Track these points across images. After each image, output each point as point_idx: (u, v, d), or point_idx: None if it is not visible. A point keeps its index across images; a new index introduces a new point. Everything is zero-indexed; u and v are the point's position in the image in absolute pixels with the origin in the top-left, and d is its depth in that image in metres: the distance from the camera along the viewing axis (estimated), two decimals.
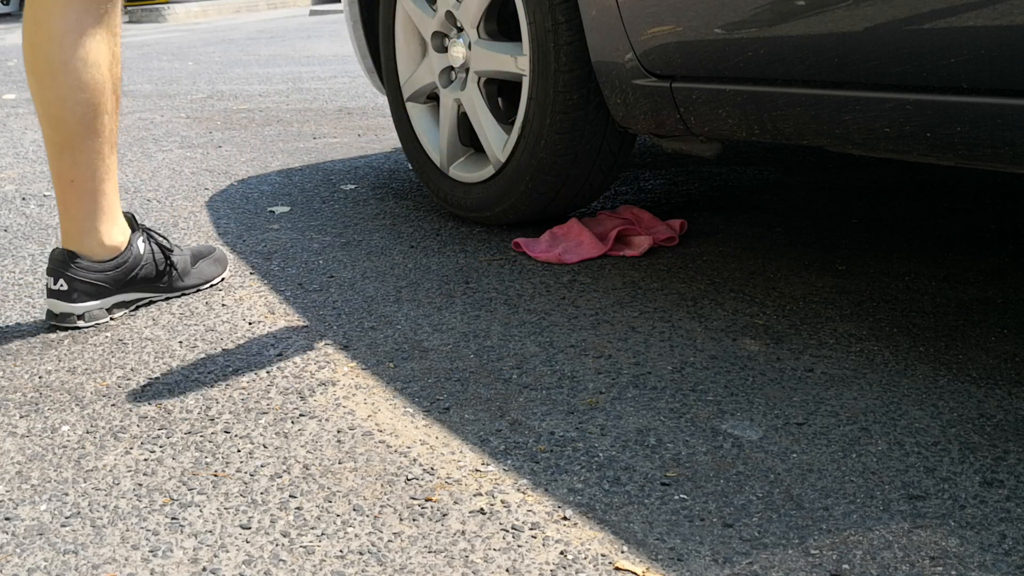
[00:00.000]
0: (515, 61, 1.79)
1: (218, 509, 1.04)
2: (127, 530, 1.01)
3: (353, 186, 2.48)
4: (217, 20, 12.26)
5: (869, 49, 1.21)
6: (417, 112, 2.13)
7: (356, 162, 2.79)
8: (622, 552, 0.94)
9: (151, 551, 0.97)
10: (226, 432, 1.21)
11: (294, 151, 3.01)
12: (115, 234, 1.57)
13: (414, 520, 1.01)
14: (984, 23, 1.08)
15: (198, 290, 1.71)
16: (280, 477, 1.10)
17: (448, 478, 1.08)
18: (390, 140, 3.13)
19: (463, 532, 0.98)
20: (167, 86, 4.97)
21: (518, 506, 1.02)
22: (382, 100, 4.00)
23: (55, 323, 1.55)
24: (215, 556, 0.96)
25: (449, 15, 1.94)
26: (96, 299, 1.56)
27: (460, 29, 1.93)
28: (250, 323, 1.57)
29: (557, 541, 0.96)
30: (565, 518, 1.00)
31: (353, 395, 1.30)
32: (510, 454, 1.13)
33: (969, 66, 1.11)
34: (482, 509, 1.02)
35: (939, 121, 1.17)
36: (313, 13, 11.62)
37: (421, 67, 2.06)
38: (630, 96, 1.60)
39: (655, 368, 1.33)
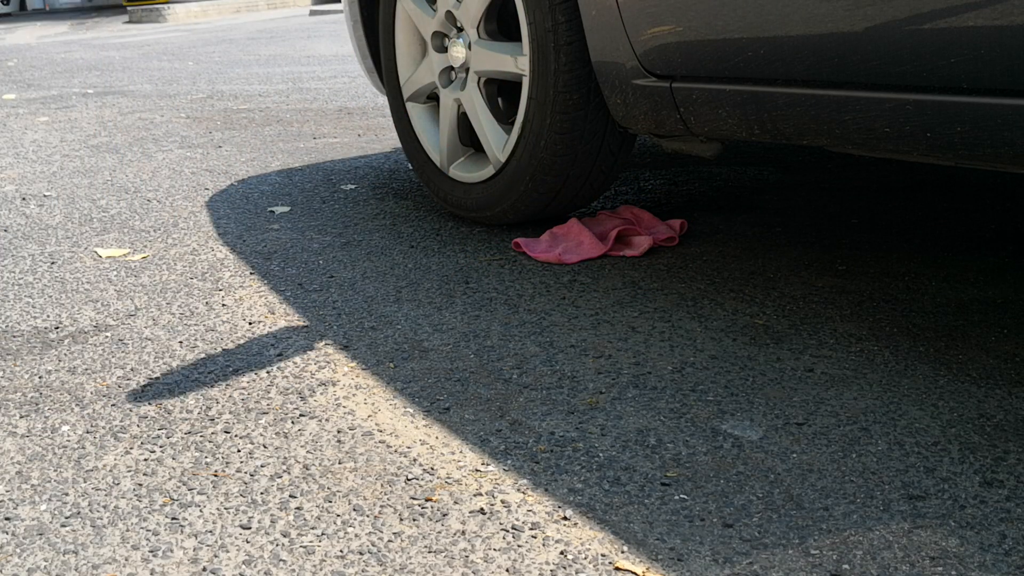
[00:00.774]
0: (515, 61, 1.79)
1: (218, 509, 1.04)
2: (127, 530, 1.01)
3: (353, 186, 2.48)
4: (217, 20, 12.26)
5: (869, 49, 1.21)
6: (417, 112, 2.13)
7: (356, 162, 2.79)
8: (622, 552, 0.94)
9: (151, 551, 0.97)
10: (226, 432, 1.21)
11: (294, 151, 3.01)
12: None
13: (414, 520, 1.01)
14: (984, 23, 1.08)
15: None
16: (280, 477, 1.10)
17: (448, 478, 1.08)
18: (390, 140, 3.13)
19: (463, 532, 0.98)
20: (167, 86, 4.97)
21: (518, 506, 1.02)
22: (382, 100, 4.00)
23: None
24: (215, 556, 0.96)
25: (449, 15, 1.94)
26: None
27: (460, 29, 1.93)
28: (250, 323, 1.57)
29: (557, 541, 0.96)
30: (565, 518, 1.00)
31: (353, 395, 1.30)
32: (510, 454, 1.13)
33: (969, 66, 1.11)
34: (482, 509, 1.02)
35: (939, 121, 1.17)
36: (313, 13, 11.62)
37: (421, 67, 2.06)
38: (630, 96, 1.60)
39: (655, 368, 1.33)
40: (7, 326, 1.60)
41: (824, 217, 1.98)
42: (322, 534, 0.99)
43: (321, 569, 0.93)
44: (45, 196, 2.52)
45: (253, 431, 1.21)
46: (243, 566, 0.94)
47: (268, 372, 1.38)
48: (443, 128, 2.02)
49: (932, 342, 1.36)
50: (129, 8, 13.15)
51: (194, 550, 0.97)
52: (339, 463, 1.13)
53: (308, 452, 1.15)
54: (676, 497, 1.03)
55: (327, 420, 1.23)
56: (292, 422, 1.23)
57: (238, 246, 1.99)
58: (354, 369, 1.37)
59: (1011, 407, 1.17)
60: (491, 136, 1.88)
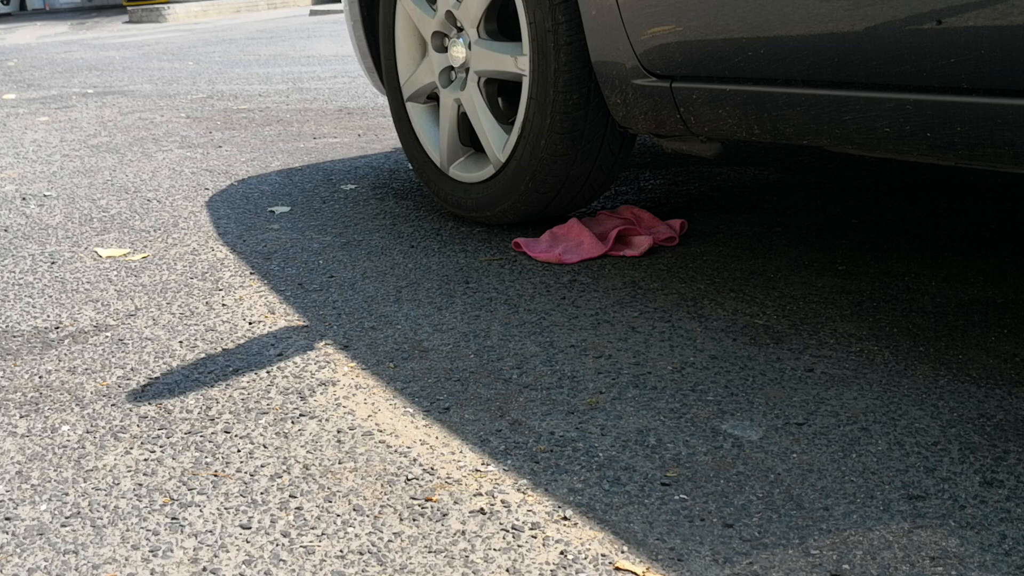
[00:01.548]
0: (515, 61, 1.79)
1: (218, 509, 1.04)
2: (127, 530, 1.01)
3: (353, 186, 2.48)
4: (217, 20, 12.26)
5: (869, 49, 1.21)
6: (417, 112, 2.13)
7: (356, 162, 2.79)
8: (622, 552, 0.94)
9: (151, 551, 0.97)
10: (226, 432, 1.21)
11: (294, 151, 3.01)
12: None
13: (414, 520, 1.01)
14: (984, 23, 1.08)
15: None
16: (280, 477, 1.10)
17: (448, 478, 1.08)
18: (390, 140, 3.13)
19: (463, 532, 0.98)
20: (167, 86, 4.97)
21: (518, 506, 1.02)
22: (382, 100, 4.00)
23: None
24: (215, 556, 0.96)
25: (449, 15, 1.94)
26: None
27: (460, 29, 1.93)
28: (250, 323, 1.57)
29: (557, 541, 0.96)
30: (565, 518, 1.00)
31: (353, 395, 1.30)
32: (510, 454, 1.13)
33: (969, 66, 1.11)
34: (482, 509, 1.02)
35: (939, 121, 1.17)
36: (313, 13, 11.61)
37: (421, 67, 2.06)
38: (630, 96, 1.60)
39: (655, 368, 1.33)
40: (7, 326, 1.60)
41: (824, 217, 1.98)
42: (322, 534, 0.99)
43: (321, 569, 0.93)
44: (45, 196, 2.52)
45: (253, 431, 1.21)
46: (243, 566, 0.94)
47: (268, 372, 1.38)
48: (443, 128, 2.02)
49: (932, 342, 1.36)
50: (129, 8, 13.15)
51: (194, 550, 0.97)
52: (339, 463, 1.13)
53: (308, 452, 1.15)
54: (676, 497, 1.03)
55: (327, 420, 1.23)
56: (292, 422, 1.23)
57: (238, 246, 1.99)
58: (354, 369, 1.37)
59: (1011, 407, 1.17)
60: (491, 136, 1.88)
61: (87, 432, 1.23)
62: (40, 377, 1.40)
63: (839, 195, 2.15)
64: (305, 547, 0.97)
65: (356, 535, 0.99)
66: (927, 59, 1.15)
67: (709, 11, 1.39)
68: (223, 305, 1.65)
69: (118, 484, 1.10)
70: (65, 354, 1.47)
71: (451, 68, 1.99)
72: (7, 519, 1.04)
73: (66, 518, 1.04)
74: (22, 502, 1.07)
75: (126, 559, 0.96)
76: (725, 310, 1.52)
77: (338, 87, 4.54)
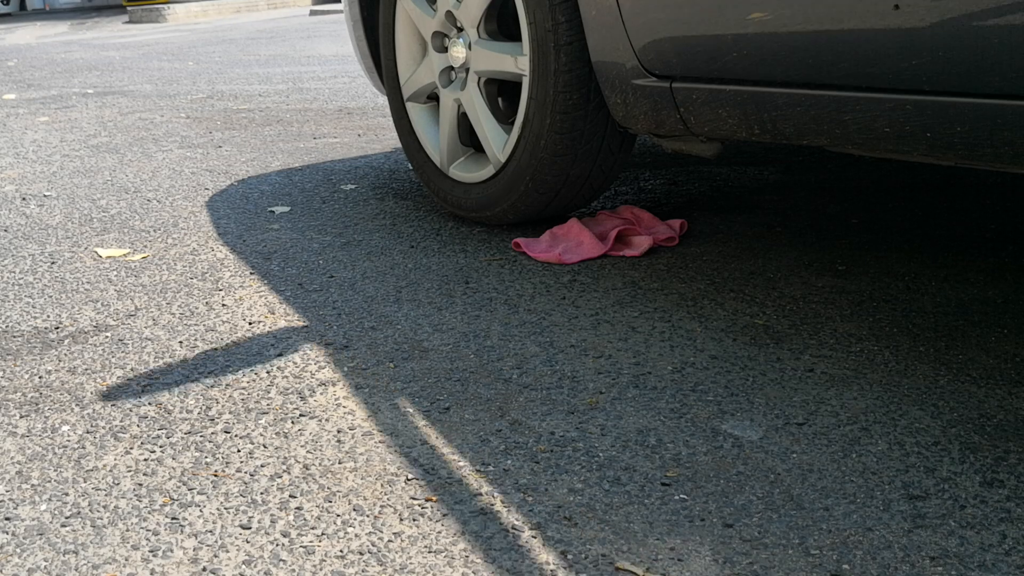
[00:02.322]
0: (515, 61, 1.79)
1: (218, 509, 1.04)
2: (127, 530, 1.01)
3: (353, 186, 2.48)
4: (217, 20, 12.26)
5: (869, 49, 1.21)
6: (417, 112, 2.13)
7: (356, 162, 2.79)
8: (622, 552, 0.94)
9: (151, 551, 0.97)
10: (226, 432, 1.21)
11: (294, 151, 3.01)
12: None
13: (414, 520, 1.01)
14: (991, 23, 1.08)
15: None
16: (280, 477, 1.10)
17: (448, 478, 1.08)
18: (390, 140, 3.13)
19: (463, 532, 0.98)
20: (167, 86, 4.97)
21: (518, 506, 1.02)
22: (382, 100, 4.00)
23: None
24: (215, 556, 0.96)
25: (449, 15, 1.94)
26: None
27: (460, 29, 1.93)
28: (250, 323, 1.57)
29: (557, 541, 0.96)
30: (565, 518, 1.00)
31: (353, 395, 1.30)
32: (510, 454, 1.13)
33: (971, 67, 1.11)
34: (482, 509, 1.02)
35: (939, 121, 1.17)
36: (313, 13, 11.62)
37: (421, 67, 2.06)
38: (630, 96, 1.60)
39: (655, 368, 1.33)
40: (7, 326, 1.60)
41: (824, 217, 1.98)
42: (322, 534, 0.99)
43: (321, 569, 0.93)
44: (45, 196, 2.52)
45: (253, 431, 1.21)
46: (243, 566, 0.94)
47: (268, 372, 1.38)
48: (443, 128, 2.02)
49: (932, 342, 1.36)
50: (129, 8, 13.15)
51: (194, 550, 0.97)
52: (339, 463, 1.13)
53: (308, 452, 1.15)
54: (676, 497, 1.03)
55: (327, 420, 1.23)
56: (292, 422, 1.23)
57: (238, 246, 1.99)
58: (354, 369, 1.37)
59: (1011, 407, 1.17)
60: (491, 136, 1.88)
61: (87, 432, 1.23)
62: (40, 377, 1.40)
63: (839, 195, 2.15)
64: (305, 547, 0.97)
65: (356, 535, 0.99)
66: (929, 59, 1.15)
67: (709, 11, 1.39)
68: (223, 305, 1.65)
69: (118, 484, 1.10)
70: (65, 354, 1.47)
71: (451, 68, 1.99)
72: (7, 519, 1.04)
73: (66, 518, 1.04)
74: (22, 502, 1.07)
75: (126, 559, 0.96)
76: (725, 310, 1.52)
77: (338, 87, 4.54)
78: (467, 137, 2.01)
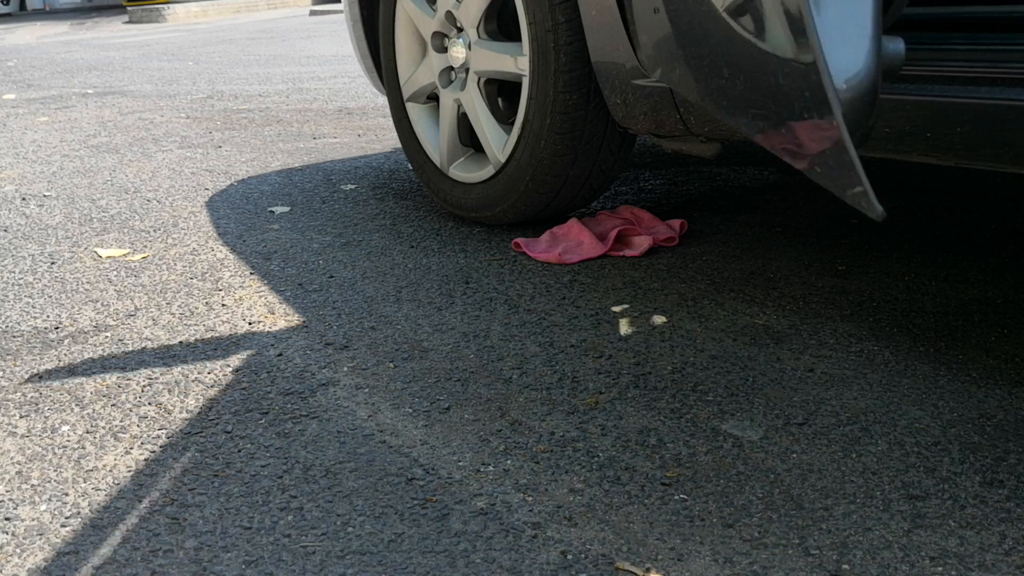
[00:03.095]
0: (515, 61, 1.79)
1: (219, 510, 1.04)
2: (127, 530, 1.01)
3: (353, 186, 2.48)
4: (217, 20, 12.26)
5: None
6: (417, 112, 2.13)
7: (356, 162, 2.79)
8: (622, 552, 0.94)
9: (151, 551, 0.98)
10: (226, 432, 1.21)
11: (294, 151, 3.01)
12: None
13: (415, 520, 1.01)
14: None
15: None
16: (281, 477, 1.10)
17: (449, 478, 1.08)
18: (390, 140, 3.13)
19: (464, 532, 0.98)
20: (167, 86, 4.97)
21: (519, 506, 1.02)
22: (382, 100, 4.00)
23: None
24: (216, 556, 0.96)
25: (449, 15, 1.94)
26: None
27: (460, 29, 1.94)
28: (250, 323, 1.57)
29: (558, 541, 0.96)
30: (566, 518, 1.00)
31: (353, 395, 1.30)
32: (510, 454, 1.13)
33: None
34: (483, 509, 1.02)
35: (939, 121, 1.17)
36: (313, 13, 11.62)
37: (421, 67, 2.06)
38: (630, 96, 1.60)
39: (655, 368, 1.33)
40: (7, 326, 1.60)
41: (824, 217, 1.98)
42: (323, 534, 0.99)
43: (322, 569, 0.94)
44: (45, 196, 2.52)
45: (254, 431, 1.21)
46: (244, 566, 0.94)
47: (268, 372, 1.38)
48: (443, 128, 2.02)
49: (932, 342, 1.36)
50: (129, 8, 13.15)
51: (195, 550, 0.97)
52: (340, 463, 1.13)
53: (309, 452, 1.15)
54: (676, 497, 1.03)
55: (328, 420, 1.23)
56: (293, 422, 1.23)
57: (238, 246, 1.99)
58: (354, 369, 1.37)
59: (1011, 407, 1.17)
60: (491, 136, 1.88)
61: (87, 432, 1.23)
62: (40, 377, 1.40)
63: None
64: (306, 547, 0.97)
65: (357, 535, 0.99)
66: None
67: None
68: (223, 305, 1.65)
69: (118, 484, 1.10)
70: (65, 354, 1.47)
71: (451, 68, 1.99)
72: (7, 519, 1.04)
73: (66, 518, 1.04)
74: (22, 502, 1.07)
75: (126, 559, 0.96)
76: (725, 310, 1.52)
77: (338, 87, 4.54)
78: (467, 137, 2.01)
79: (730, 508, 1.00)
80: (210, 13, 13.20)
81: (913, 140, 1.22)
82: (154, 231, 2.14)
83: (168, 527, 1.01)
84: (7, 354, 1.49)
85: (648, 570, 0.91)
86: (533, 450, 1.13)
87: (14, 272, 1.89)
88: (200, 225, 2.16)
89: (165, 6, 12.63)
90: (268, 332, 1.53)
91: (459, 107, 1.97)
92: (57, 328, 1.59)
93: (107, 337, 1.53)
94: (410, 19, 2.07)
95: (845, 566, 0.90)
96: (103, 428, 1.24)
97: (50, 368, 1.43)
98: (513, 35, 1.87)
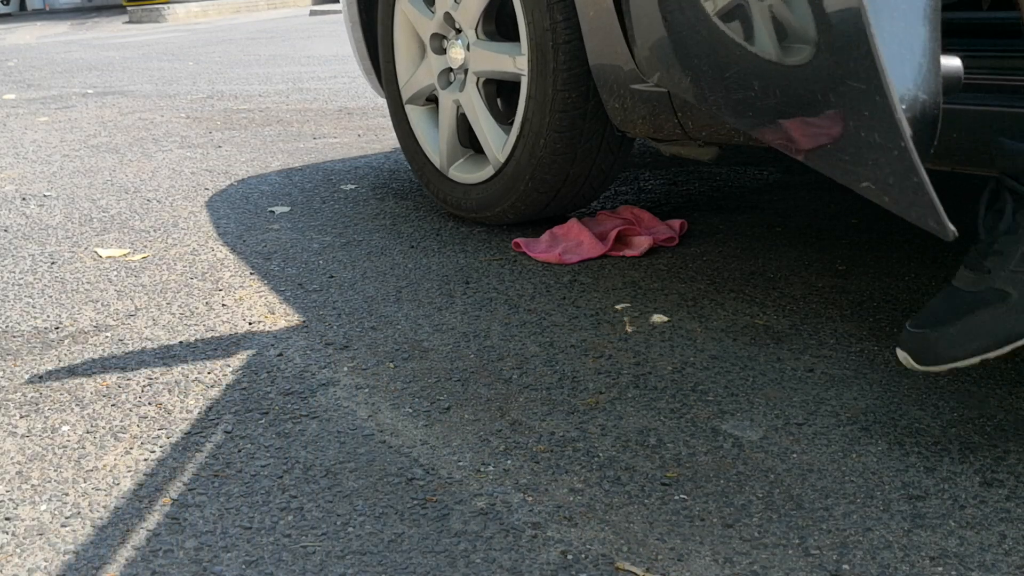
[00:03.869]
0: (514, 61, 1.79)
1: (219, 510, 1.04)
2: (127, 530, 1.01)
3: (353, 186, 2.48)
4: (217, 20, 12.26)
5: None
6: (416, 114, 2.13)
7: (356, 162, 2.79)
8: (622, 552, 0.94)
9: (151, 551, 0.98)
10: (226, 432, 1.21)
11: (294, 151, 3.01)
12: None
13: (415, 520, 1.01)
14: None
15: None
16: (281, 477, 1.10)
17: (449, 478, 1.08)
18: (390, 140, 3.13)
19: (464, 532, 0.98)
20: (167, 86, 4.97)
21: (519, 506, 1.02)
22: (382, 100, 4.00)
23: None
24: (216, 556, 0.96)
25: (447, 16, 1.94)
26: None
27: (458, 30, 1.94)
28: (250, 323, 1.57)
29: (558, 541, 0.96)
30: (566, 518, 1.00)
31: (354, 395, 1.30)
32: (510, 454, 1.13)
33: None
34: (483, 509, 1.02)
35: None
36: (313, 13, 11.62)
37: (420, 69, 2.06)
38: (628, 100, 1.60)
39: (655, 368, 1.33)
40: (7, 326, 1.60)
41: (824, 217, 1.98)
42: (323, 534, 0.99)
43: (322, 569, 0.94)
44: (45, 196, 2.52)
45: (254, 431, 1.21)
46: (244, 566, 0.95)
47: (268, 372, 1.38)
48: (442, 129, 2.02)
49: None
50: (129, 8, 13.15)
51: (195, 550, 0.97)
52: (340, 463, 1.13)
53: (309, 452, 1.15)
54: (676, 497, 1.03)
55: (328, 420, 1.23)
56: (293, 422, 1.23)
57: (238, 246, 1.99)
58: (354, 369, 1.37)
59: (1011, 407, 1.17)
60: (490, 136, 1.89)
61: (87, 432, 1.23)
62: (40, 377, 1.40)
63: (839, 195, 2.15)
64: (306, 547, 0.97)
65: (357, 535, 0.99)
66: None
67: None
68: (223, 305, 1.66)
69: (118, 484, 1.10)
70: (65, 354, 1.47)
71: (450, 69, 1.99)
72: (7, 519, 1.04)
73: (66, 518, 1.04)
74: (22, 502, 1.07)
75: (126, 559, 0.96)
76: (725, 310, 1.52)
77: (338, 87, 4.54)
78: (466, 138, 2.01)
79: (730, 508, 1.00)
80: (210, 13, 13.20)
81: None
82: (154, 231, 2.14)
83: (168, 527, 1.01)
84: (7, 354, 1.49)
85: (648, 570, 0.91)
86: (533, 450, 1.13)
87: (14, 272, 1.89)
88: (200, 225, 2.16)
89: (165, 6, 12.63)
90: (268, 332, 1.53)
91: (458, 108, 1.97)
92: (57, 328, 1.59)
93: (107, 337, 1.53)
94: (408, 21, 2.07)
95: (845, 566, 0.90)
96: (103, 428, 1.24)
97: (50, 368, 1.43)
98: (511, 35, 1.87)
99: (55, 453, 1.18)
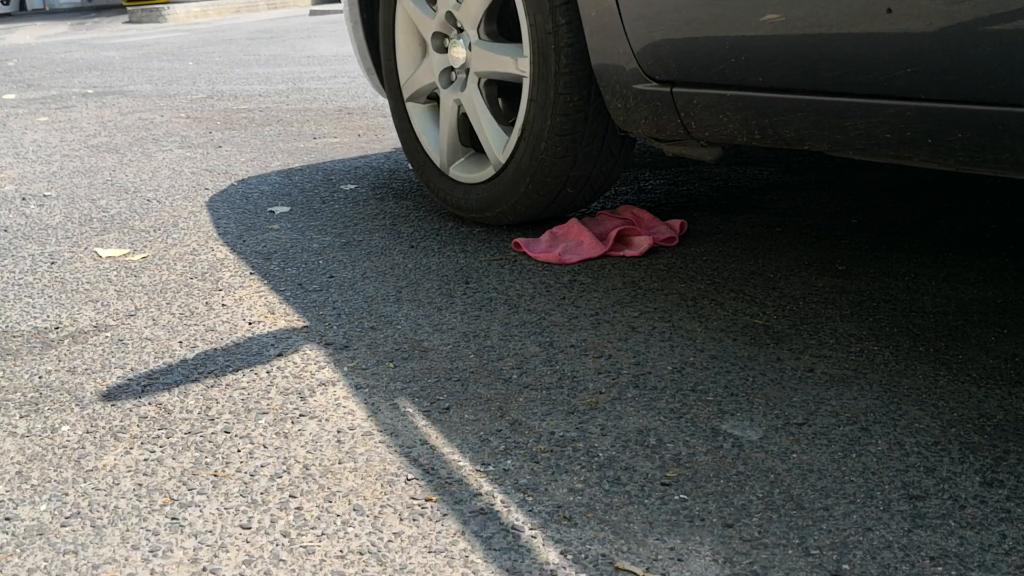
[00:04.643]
0: (515, 62, 1.79)
1: (218, 509, 1.04)
2: (127, 530, 1.01)
3: (353, 186, 2.48)
4: (217, 20, 12.26)
5: (870, 55, 1.21)
6: (417, 113, 2.13)
7: (356, 162, 2.79)
8: (622, 552, 0.94)
9: (151, 551, 0.98)
10: (226, 432, 1.21)
11: (294, 151, 3.01)
12: None
13: (414, 520, 1.01)
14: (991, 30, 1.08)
15: None
16: (280, 477, 1.10)
17: (448, 478, 1.08)
18: (390, 140, 3.13)
19: (463, 532, 0.98)
20: (167, 86, 4.97)
21: (518, 506, 1.02)
22: (382, 100, 4.00)
23: None
24: (215, 556, 0.96)
25: (449, 16, 1.94)
26: None
27: (460, 30, 1.93)
28: (250, 323, 1.57)
29: (557, 541, 0.96)
30: (565, 518, 1.00)
31: (353, 395, 1.30)
32: (510, 454, 1.13)
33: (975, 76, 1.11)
34: (482, 509, 1.02)
35: (940, 127, 1.17)
36: (313, 13, 11.62)
37: (421, 68, 2.06)
38: (631, 101, 1.60)
39: (655, 368, 1.33)
40: (7, 326, 1.60)
41: (824, 217, 1.98)
42: (322, 534, 0.99)
43: (321, 569, 0.94)
44: (45, 196, 2.52)
45: (253, 431, 1.21)
46: (243, 566, 0.94)
47: (268, 372, 1.38)
48: (443, 129, 2.02)
49: (932, 342, 1.36)
50: (129, 8, 13.15)
51: (194, 550, 0.97)
52: (339, 463, 1.13)
53: (308, 452, 1.15)
54: (676, 497, 1.03)
55: (327, 420, 1.23)
56: (292, 422, 1.23)
57: (238, 246, 1.99)
58: (354, 369, 1.37)
59: (1011, 407, 1.17)
60: (491, 137, 1.88)
61: (87, 432, 1.23)
62: (40, 377, 1.40)
63: (839, 195, 2.15)
64: (305, 547, 0.97)
65: (356, 535, 0.99)
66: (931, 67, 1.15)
67: (711, 16, 1.39)
68: (223, 305, 1.65)
69: (118, 484, 1.10)
70: (65, 354, 1.47)
71: (451, 69, 1.99)
72: (7, 519, 1.04)
73: (66, 518, 1.04)
74: (22, 502, 1.07)
75: (126, 559, 0.96)
76: (725, 310, 1.52)
77: (338, 87, 4.54)
78: (467, 138, 2.01)
79: (730, 508, 1.00)
80: (210, 13, 13.20)
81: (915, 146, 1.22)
82: (154, 231, 2.14)
83: (168, 527, 1.01)
84: (7, 354, 1.49)
85: (648, 570, 0.91)
86: (533, 450, 1.13)
87: (14, 272, 1.89)
88: (200, 225, 2.16)
89: (165, 6, 12.63)
90: (268, 332, 1.53)
91: (459, 108, 1.97)
92: (57, 328, 1.59)
93: (107, 337, 1.53)
94: (410, 19, 2.07)
95: (845, 566, 0.90)
96: (103, 428, 1.24)
97: (50, 368, 1.43)
98: (514, 36, 1.87)
99: (55, 453, 1.18)
